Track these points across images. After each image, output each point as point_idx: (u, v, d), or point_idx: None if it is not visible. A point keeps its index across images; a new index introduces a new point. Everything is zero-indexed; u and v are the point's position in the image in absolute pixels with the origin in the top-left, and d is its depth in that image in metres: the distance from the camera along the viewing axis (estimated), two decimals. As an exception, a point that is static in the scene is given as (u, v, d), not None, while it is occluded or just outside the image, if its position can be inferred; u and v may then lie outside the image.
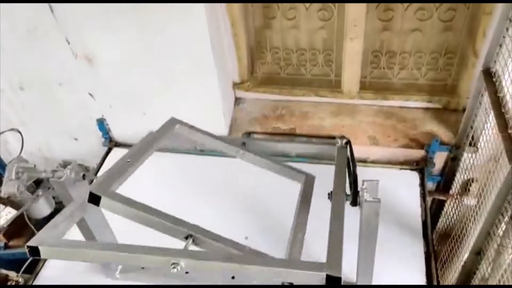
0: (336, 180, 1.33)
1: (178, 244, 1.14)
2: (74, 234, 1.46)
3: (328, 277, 0.97)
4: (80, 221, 1.34)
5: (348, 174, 1.37)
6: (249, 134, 2.16)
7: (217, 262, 1.05)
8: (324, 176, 1.44)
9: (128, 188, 1.38)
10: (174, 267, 1.01)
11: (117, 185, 1.22)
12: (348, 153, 1.48)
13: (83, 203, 1.25)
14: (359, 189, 1.20)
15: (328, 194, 1.25)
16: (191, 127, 1.57)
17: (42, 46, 2.08)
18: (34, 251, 1.06)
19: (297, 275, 1.02)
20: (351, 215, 1.25)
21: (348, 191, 1.27)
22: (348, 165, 1.42)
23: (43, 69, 2.19)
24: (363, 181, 1.20)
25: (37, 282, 1.75)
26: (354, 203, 1.22)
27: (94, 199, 1.14)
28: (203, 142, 1.59)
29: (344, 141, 1.54)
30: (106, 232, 1.56)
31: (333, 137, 1.60)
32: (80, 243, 1.28)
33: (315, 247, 1.71)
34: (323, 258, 1.07)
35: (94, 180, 1.32)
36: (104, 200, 1.14)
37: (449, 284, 2.16)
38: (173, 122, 1.57)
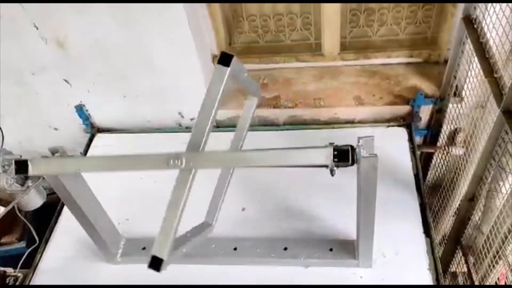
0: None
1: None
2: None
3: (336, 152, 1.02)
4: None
5: None
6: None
7: (220, 153, 1.14)
8: (316, 140, 1.44)
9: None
10: (174, 164, 1.04)
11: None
12: None
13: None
14: (355, 146, 1.19)
15: (325, 154, 1.24)
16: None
17: (10, 35, 1.98)
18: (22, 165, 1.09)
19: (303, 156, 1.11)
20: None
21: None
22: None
23: (14, 59, 2.10)
24: (358, 138, 1.20)
25: (37, 275, 1.73)
26: (352, 162, 1.21)
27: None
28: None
29: None
30: (108, 224, 1.55)
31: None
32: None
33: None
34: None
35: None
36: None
37: (444, 233, 2.22)
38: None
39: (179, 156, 1.06)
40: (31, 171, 1.03)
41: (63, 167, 1.19)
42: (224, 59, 1.16)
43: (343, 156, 0.96)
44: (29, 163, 1.02)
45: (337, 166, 1.08)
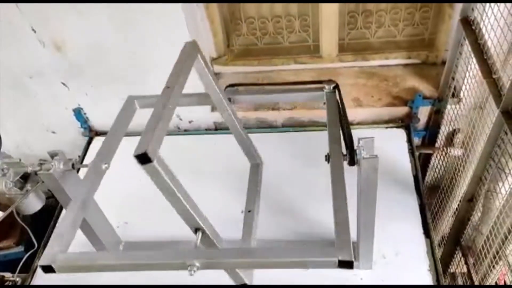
0: (329, 130, 1.32)
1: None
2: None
3: (340, 262, 0.99)
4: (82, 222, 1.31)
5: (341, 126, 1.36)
6: (233, 86, 1.85)
7: (232, 260, 1.09)
8: (315, 141, 1.43)
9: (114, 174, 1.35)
10: (190, 270, 1.02)
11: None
12: (338, 98, 1.46)
13: (81, 204, 1.20)
14: (355, 147, 1.20)
15: (325, 156, 1.24)
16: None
17: (7, 38, 1.98)
18: (48, 269, 1.04)
19: (310, 263, 1.05)
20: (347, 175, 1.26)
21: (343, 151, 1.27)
22: (340, 121, 1.40)
23: (11, 63, 2.09)
24: (359, 139, 1.20)
25: (36, 278, 1.72)
26: (352, 162, 1.21)
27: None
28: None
29: (332, 85, 1.52)
30: (107, 229, 1.54)
31: (320, 81, 1.55)
32: (92, 255, 1.28)
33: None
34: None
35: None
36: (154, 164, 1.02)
37: (443, 233, 2.22)
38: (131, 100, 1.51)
39: (193, 263, 1.02)
40: (58, 270, 1.05)
41: (85, 269, 1.16)
42: (144, 159, 0.99)
43: (347, 265, 0.99)
44: (53, 266, 1.03)
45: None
